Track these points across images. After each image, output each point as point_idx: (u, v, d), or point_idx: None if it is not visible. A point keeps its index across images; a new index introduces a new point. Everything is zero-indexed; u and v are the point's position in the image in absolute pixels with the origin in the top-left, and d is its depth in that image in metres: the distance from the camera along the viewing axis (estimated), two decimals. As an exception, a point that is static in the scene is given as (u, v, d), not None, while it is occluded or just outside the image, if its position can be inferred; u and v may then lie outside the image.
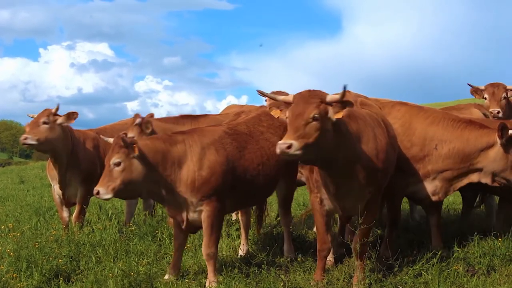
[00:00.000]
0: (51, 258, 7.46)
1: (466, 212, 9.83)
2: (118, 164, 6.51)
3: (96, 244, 8.18)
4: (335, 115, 5.89)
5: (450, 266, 6.91)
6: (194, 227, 7.05)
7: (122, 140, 6.54)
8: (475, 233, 8.03)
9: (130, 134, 8.65)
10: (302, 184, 9.47)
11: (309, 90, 5.99)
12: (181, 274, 7.16)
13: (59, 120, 8.90)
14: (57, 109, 8.87)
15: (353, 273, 6.69)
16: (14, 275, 7.04)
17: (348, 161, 6.09)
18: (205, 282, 6.82)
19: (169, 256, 7.58)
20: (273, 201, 11.51)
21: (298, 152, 5.64)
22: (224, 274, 6.93)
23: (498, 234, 7.77)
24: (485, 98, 9.84)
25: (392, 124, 7.71)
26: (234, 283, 6.53)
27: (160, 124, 9.76)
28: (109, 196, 6.50)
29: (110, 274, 6.79)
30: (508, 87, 9.78)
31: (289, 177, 8.00)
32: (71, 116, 9.02)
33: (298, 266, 7.40)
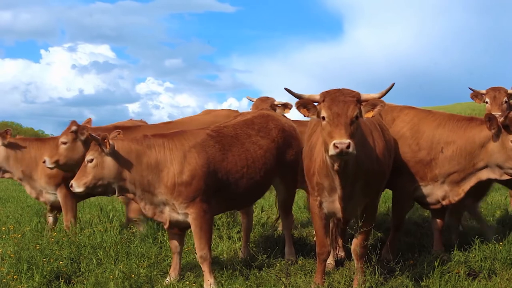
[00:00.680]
0: (52, 260, 7.46)
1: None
2: (91, 160, 6.79)
3: (97, 246, 8.17)
4: (366, 114, 5.85)
5: (451, 269, 6.90)
6: (178, 227, 7.10)
7: (92, 137, 6.81)
8: (476, 237, 8.03)
9: (63, 139, 8.88)
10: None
11: (338, 89, 5.87)
12: (181, 277, 7.17)
13: None
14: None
15: (354, 276, 6.68)
16: (14, 277, 7.04)
17: (356, 163, 6.06)
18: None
19: (170, 258, 7.57)
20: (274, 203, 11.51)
21: (354, 152, 5.52)
22: (225, 277, 6.94)
23: (499, 238, 7.77)
24: (486, 102, 9.78)
25: (401, 128, 7.71)
26: (235, 286, 6.52)
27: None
28: (80, 189, 6.81)
29: (111, 276, 6.79)
30: (509, 91, 9.71)
31: (287, 180, 8.00)
32: (4, 135, 9.26)
33: (299, 269, 7.40)
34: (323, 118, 5.71)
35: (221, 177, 7.03)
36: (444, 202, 7.65)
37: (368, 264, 6.52)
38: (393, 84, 5.94)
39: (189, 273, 7.30)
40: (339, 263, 7.82)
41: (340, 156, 5.53)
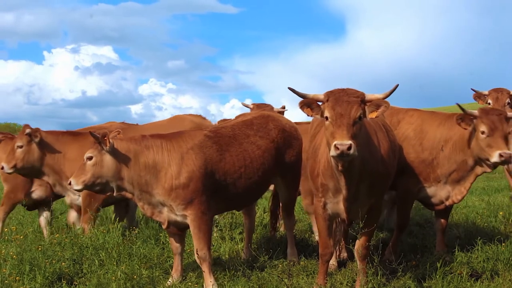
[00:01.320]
0: (54, 261, 7.46)
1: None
2: (90, 158, 6.79)
3: (99, 247, 8.16)
4: (370, 114, 5.86)
5: (453, 270, 6.89)
6: (177, 227, 7.10)
7: (93, 136, 6.79)
8: (479, 238, 8.03)
9: (18, 143, 8.94)
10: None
11: (343, 89, 5.88)
12: (183, 277, 7.17)
13: None
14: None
15: (356, 277, 6.67)
16: (17, 278, 7.04)
17: (361, 163, 6.05)
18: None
19: (172, 259, 7.57)
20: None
21: (356, 153, 5.54)
22: (227, 278, 6.93)
23: (502, 239, 7.76)
24: (489, 104, 9.77)
25: (406, 130, 7.73)
26: (237, 287, 6.52)
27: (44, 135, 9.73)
28: (79, 187, 6.81)
29: (113, 277, 6.79)
30: None
31: (289, 181, 8.01)
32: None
33: (301, 270, 7.39)
34: (326, 118, 5.72)
35: (219, 178, 7.03)
36: (447, 203, 7.68)
37: (371, 265, 6.52)
38: (397, 86, 5.94)
39: (191, 273, 7.30)
40: (341, 264, 7.81)
41: (341, 158, 5.55)
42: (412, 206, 8.12)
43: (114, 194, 6.99)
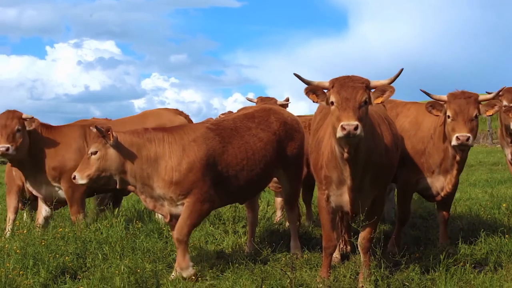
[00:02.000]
0: (57, 255, 7.46)
1: None
2: (94, 152, 6.81)
3: (102, 241, 8.17)
4: (376, 100, 5.88)
5: (457, 263, 6.89)
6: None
7: (97, 130, 6.81)
8: (482, 230, 8.03)
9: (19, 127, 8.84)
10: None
11: (348, 75, 5.91)
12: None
13: None
14: None
15: (360, 270, 6.67)
16: (20, 272, 7.05)
17: (366, 153, 6.05)
18: (211, 279, 6.83)
19: (175, 253, 7.57)
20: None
21: (362, 134, 5.55)
22: (230, 271, 6.94)
23: (505, 231, 7.75)
24: (505, 106, 9.56)
25: (403, 122, 7.73)
26: (241, 280, 6.52)
27: None
28: (83, 181, 6.86)
29: (117, 271, 6.79)
30: None
31: (291, 173, 8.01)
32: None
33: (304, 263, 7.39)
34: (332, 103, 5.74)
35: (221, 170, 7.09)
36: (442, 194, 7.64)
37: (373, 257, 6.52)
38: (401, 70, 5.98)
39: (194, 267, 7.29)
40: (344, 257, 7.81)
41: (347, 139, 5.55)
42: (411, 198, 8.11)
43: (117, 187, 7.02)
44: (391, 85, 5.92)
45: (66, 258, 7.45)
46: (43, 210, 9.62)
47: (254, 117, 7.74)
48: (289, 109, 11.08)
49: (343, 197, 6.46)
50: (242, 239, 8.57)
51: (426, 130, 7.65)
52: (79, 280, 6.98)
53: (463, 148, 7.01)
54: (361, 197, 6.41)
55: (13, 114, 8.88)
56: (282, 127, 7.77)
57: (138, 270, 6.78)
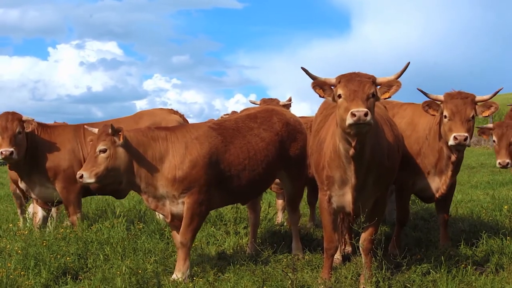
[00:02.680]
0: (59, 256, 7.47)
1: None
2: (104, 151, 6.73)
3: (103, 242, 8.18)
4: (383, 95, 5.90)
5: (458, 264, 6.88)
6: (180, 220, 7.11)
7: (110, 128, 6.75)
8: (484, 232, 8.02)
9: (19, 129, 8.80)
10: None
11: (354, 72, 5.92)
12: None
13: None
14: None
15: (361, 271, 6.67)
16: (22, 273, 7.05)
17: (371, 152, 6.06)
18: (213, 279, 6.82)
19: (176, 254, 7.57)
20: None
21: (372, 122, 5.55)
22: (232, 272, 6.94)
23: (507, 232, 7.74)
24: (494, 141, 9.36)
25: (399, 123, 7.72)
26: (242, 281, 6.52)
27: None
28: (91, 180, 6.73)
29: (118, 272, 6.80)
30: None
31: (293, 174, 8.02)
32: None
33: (305, 264, 7.40)
34: (339, 96, 5.75)
35: (223, 169, 7.12)
36: (437, 195, 7.62)
37: (375, 259, 6.51)
38: (408, 64, 6.00)
39: (195, 268, 7.30)
40: (346, 258, 7.81)
41: (357, 126, 5.52)
42: (409, 199, 8.10)
43: (122, 187, 7.01)
44: (398, 80, 5.93)
45: (68, 258, 7.46)
46: (40, 210, 9.62)
47: (256, 117, 7.76)
48: (291, 110, 11.14)
49: (345, 198, 6.46)
50: (244, 240, 8.58)
51: (421, 131, 7.65)
52: (81, 280, 6.99)
53: (460, 148, 7.01)
54: (363, 198, 6.41)
55: (12, 116, 8.83)
56: (284, 128, 7.78)
57: (140, 271, 6.79)
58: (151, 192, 6.95)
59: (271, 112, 7.95)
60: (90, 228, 8.88)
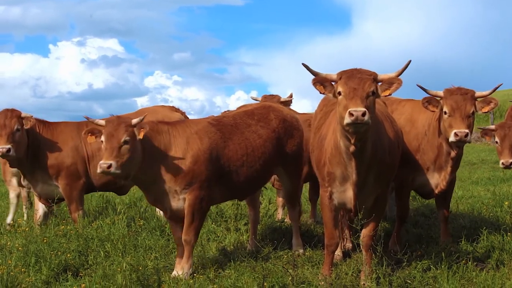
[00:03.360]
0: (59, 252, 7.48)
1: None
2: (127, 142, 6.63)
3: (104, 238, 8.19)
4: (383, 92, 5.90)
5: (459, 260, 6.88)
6: (179, 216, 7.11)
7: (136, 121, 6.71)
8: (484, 228, 8.02)
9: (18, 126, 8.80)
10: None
11: (355, 68, 5.92)
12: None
13: None
14: None
15: (362, 267, 6.67)
16: (22, 270, 7.06)
17: (372, 148, 6.05)
18: (213, 276, 6.83)
19: (177, 251, 7.58)
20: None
21: (370, 121, 5.55)
22: (232, 268, 6.94)
23: (508, 228, 7.74)
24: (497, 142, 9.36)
25: (398, 120, 7.71)
26: (242, 277, 6.52)
27: None
28: (118, 171, 6.57)
29: (119, 269, 6.80)
30: None
31: (291, 171, 8.05)
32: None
33: (306, 260, 7.40)
34: (339, 93, 5.75)
35: (223, 164, 7.14)
36: (437, 191, 7.61)
37: (375, 255, 6.51)
38: (409, 62, 6.00)
39: (196, 264, 7.30)
40: (346, 254, 7.81)
41: (355, 125, 5.53)
42: (409, 196, 8.10)
43: (127, 181, 6.95)
44: (399, 77, 5.93)
45: (68, 255, 7.46)
46: (41, 207, 9.62)
47: (253, 114, 7.78)
48: (292, 106, 11.15)
49: (346, 194, 6.46)
50: (244, 237, 8.58)
51: (420, 127, 7.64)
52: (81, 277, 6.99)
53: (460, 144, 7.01)
54: (364, 194, 6.41)
55: (11, 113, 8.81)
56: (281, 125, 7.80)
57: (140, 268, 6.78)
58: (152, 186, 6.93)
59: (268, 109, 7.96)
60: (91, 225, 8.89)
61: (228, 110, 11.87)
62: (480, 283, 6.37)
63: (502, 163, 8.15)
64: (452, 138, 6.81)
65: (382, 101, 7.49)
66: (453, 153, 7.17)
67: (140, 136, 6.70)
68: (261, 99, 11.17)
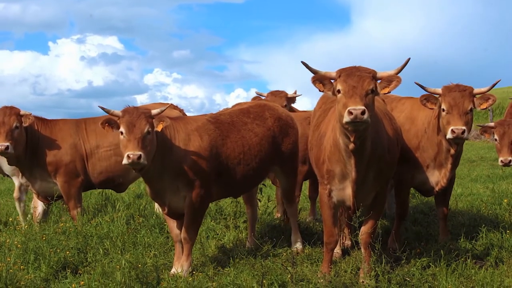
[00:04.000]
0: (58, 250, 7.48)
1: None
2: (149, 133, 6.53)
3: (103, 236, 8.20)
4: (383, 90, 5.90)
5: (458, 258, 6.88)
6: (178, 212, 7.10)
7: (156, 112, 6.66)
8: (483, 225, 8.02)
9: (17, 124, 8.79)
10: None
11: (354, 66, 5.93)
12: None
13: None
14: None
15: (361, 265, 6.67)
16: (21, 267, 7.06)
17: (371, 146, 6.06)
18: (212, 273, 6.83)
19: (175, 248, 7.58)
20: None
21: (369, 120, 5.55)
22: (231, 266, 6.94)
23: (506, 226, 7.74)
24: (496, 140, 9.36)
25: (398, 117, 7.71)
26: (242, 275, 6.52)
27: None
28: (145, 162, 6.42)
29: (118, 266, 6.80)
30: None
31: (287, 169, 8.08)
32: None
33: (305, 258, 7.40)
34: (339, 91, 5.76)
35: (221, 162, 7.15)
36: (437, 188, 7.61)
37: (373, 253, 6.51)
38: (408, 59, 6.01)
39: (195, 262, 7.30)
40: (345, 252, 7.81)
41: (354, 124, 5.55)
42: (409, 193, 8.09)
43: (142, 172, 6.82)
44: (398, 75, 5.93)
45: (67, 253, 7.47)
46: (40, 204, 9.62)
47: (249, 112, 7.80)
48: (294, 104, 11.22)
49: (346, 191, 6.46)
50: (243, 234, 8.57)
51: (420, 125, 7.64)
52: (80, 275, 6.99)
53: (458, 141, 7.01)
54: (364, 192, 6.42)
55: (10, 111, 8.80)
56: (276, 123, 7.83)
57: (139, 265, 6.78)
58: (157, 180, 6.88)
59: (263, 107, 7.98)
60: (90, 222, 8.89)
61: (227, 108, 11.89)
62: (479, 280, 6.37)
63: (501, 161, 8.15)
64: (449, 135, 6.81)
65: (381, 98, 7.48)
66: (452, 150, 7.17)
67: (159, 129, 6.63)
68: (267, 95, 11.18)
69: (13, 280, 6.51)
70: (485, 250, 7.46)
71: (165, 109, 6.83)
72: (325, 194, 6.60)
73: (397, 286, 6.18)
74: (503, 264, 6.99)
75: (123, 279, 6.39)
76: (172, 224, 7.25)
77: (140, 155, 6.31)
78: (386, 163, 6.46)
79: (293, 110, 11.21)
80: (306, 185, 11.19)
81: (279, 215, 10.11)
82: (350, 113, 5.47)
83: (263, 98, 11.19)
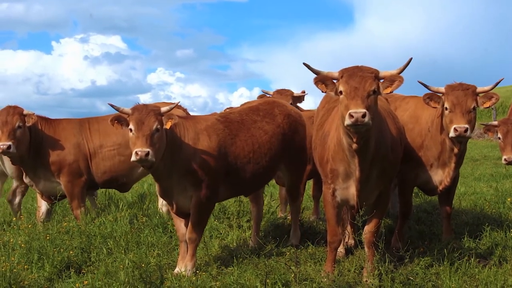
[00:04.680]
0: (62, 249, 7.48)
1: None
2: (158, 130, 6.51)
3: (107, 235, 8.20)
4: (385, 90, 5.89)
5: (461, 257, 6.88)
6: (185, 211, 7.09)
7: (166, 109, 6.66)
8: (487, 224, 8.01)
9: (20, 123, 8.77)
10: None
11: (357, 66, 5.92)
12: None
13: None
14: None
15: (364, 264, 6.67)
16: (25, 267, 7.06)
17: (375, 145, 6.06)
18: (216, 273, 6.83)
19: (179, 248, 7.58)
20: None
21: (370, 122, 5.55)
22: (235, 265, 6.94)
23: (510, 225, 7.73)
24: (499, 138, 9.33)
25: (401, 116, 7.70)
26: (245, 274, 6.52)
27: None
28: (153, 159, 6.41)
29: (121, 266, 6.80)
30: None
31: (293, 166, 8.08)
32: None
33: (308, 257, 7.39)
34: (341, 92, 5.76)
35: (230, 161, 7.13)
36: (441, 187, 7.61)
37: (377, 252, 6.51)
38: (410, 59, 6.00)
39: (198, 261, 7.30)
40: (349, 251, 7.81)
41: (355, 126, 5.55)
42: (412, 192, 8.09)
43: (151, 170, 6.80)
44: (400, 75, 5.92)
45: (71, 252, 7.47)
46: (43, 204, 9.63)
47: (258, 110, 7.77)
48: (304, 103, 11.26)
49: (349, 191, 6.46)
50: (247, 234, 8.57)
51: (424, 124, 7.64)
52: (84, 274, 7.00)
53: (460, 140, 7.00)
54: (367, 191, 6.42)
55: (13, 110, 8.80)
56: (286, 120, 7.81)
57: (143, 265, 6.80)
58: (166, 178, 6.87)
59: (272, 104, 7.96)
60: (93, 222, 8.89)
61: (230, 107, 11.88)
62: (483, 279, 6.36)
63: (505, 159, 8.14)
64: (451, 134, 6.81)
65: (385, 97, 7.48)
66: (455, 149, 7.16)
67: (167, 126, 6.62)
68: (273, 94, 11.18)
69: (17, 279, 6.52)
70: (489, 249, 7.45)
71: (174, 107, 6.84)
72: (329, 193, 6.59)
73: (401, 285, 6.17)
74: (507, 263, 6.97)
75: (126, 279, 6.39)
76: (179, 223, 7.23)
77: (148, 152, 6.31)
78: (390, 162, 6.45)
79: (298, 109, 11.22)
80: (309, 184, 11.19)
81: (281, 214, 10.11)
82: (351, 116, 5.48)
83: (269, 96, 11.19)
